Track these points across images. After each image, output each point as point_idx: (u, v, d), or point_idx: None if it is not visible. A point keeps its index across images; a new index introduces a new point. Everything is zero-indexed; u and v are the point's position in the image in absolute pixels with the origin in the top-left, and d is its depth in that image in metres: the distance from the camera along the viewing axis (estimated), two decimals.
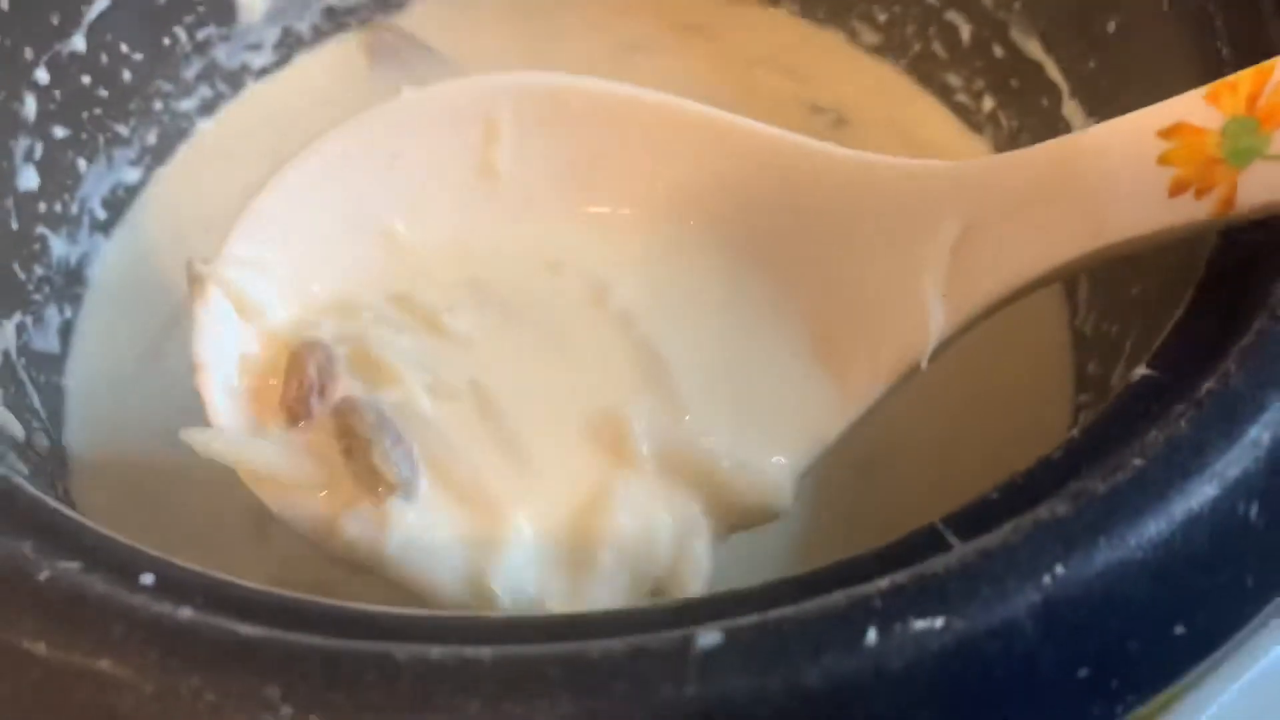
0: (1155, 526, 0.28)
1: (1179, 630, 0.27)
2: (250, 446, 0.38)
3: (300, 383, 0.38)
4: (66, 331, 0.54)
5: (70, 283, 0.54)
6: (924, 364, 0.38)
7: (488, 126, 0.43)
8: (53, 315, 0.53)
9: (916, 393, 0.50)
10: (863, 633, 0.26)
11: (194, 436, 0.39)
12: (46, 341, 0.52)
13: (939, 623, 0.26)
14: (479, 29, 0.63)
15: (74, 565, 0.29)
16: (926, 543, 0.29)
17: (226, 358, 0.40)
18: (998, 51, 0.57)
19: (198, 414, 0.50)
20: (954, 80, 0.59)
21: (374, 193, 0.43)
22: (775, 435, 0.39)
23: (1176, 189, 0.34)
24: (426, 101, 0.43)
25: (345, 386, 0.38)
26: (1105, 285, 0.51)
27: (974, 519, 0.29)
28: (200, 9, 0.58)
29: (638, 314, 0.41)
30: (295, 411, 0.38)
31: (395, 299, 0.42)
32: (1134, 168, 0.34)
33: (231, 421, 0.39)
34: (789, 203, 0.41)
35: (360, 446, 0.37)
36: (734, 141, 0.42)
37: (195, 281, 0.41)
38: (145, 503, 0.49)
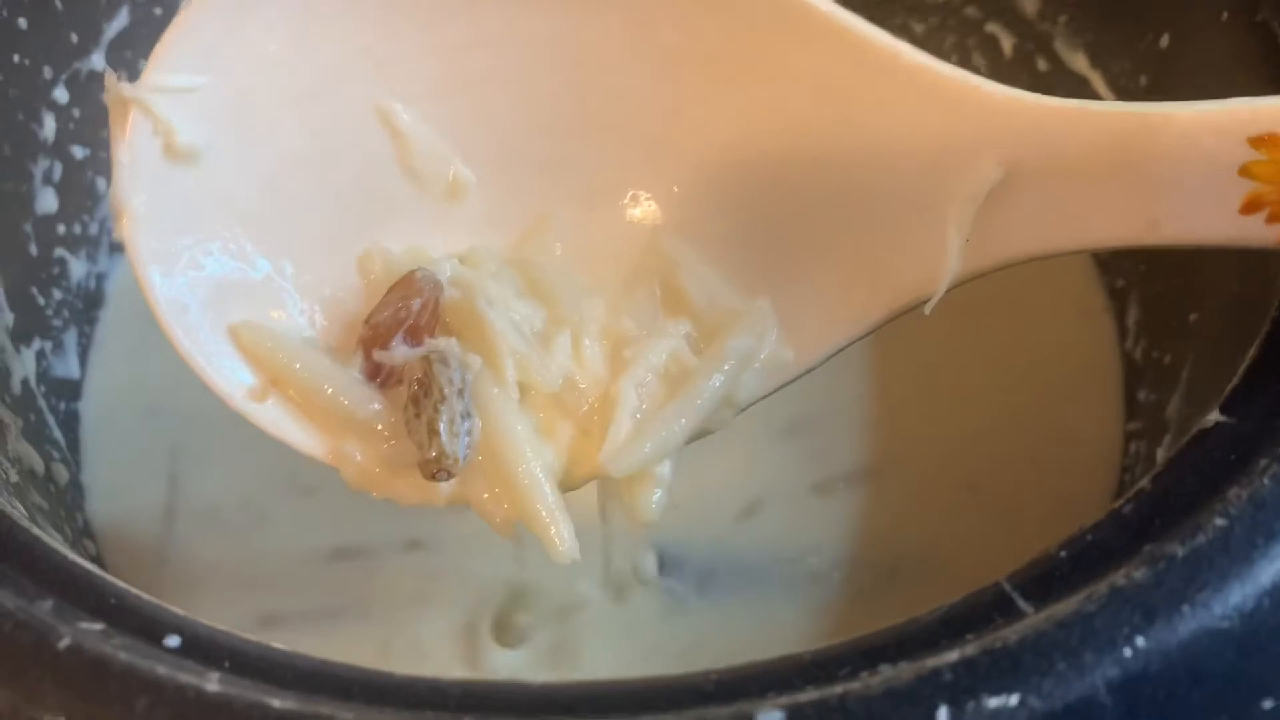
0: (1241, 593, 0.26)
1: (1267, 705, 0.26)
2: (306, 353, 0.36)
3: (400, 309, 0.35)
4: (85, 355, 0.53)
5: (89, 305, 0.53)
6: (929, 307, 0.35)
7: None
8: (71, 339, 0.52)
9: (954, 406, 0.50)
10: (933, 712, 0.24)
11: (242, 330, 0.36)
12: (66, 367, 0.51)
13: (1013, 700, 0.24)
14: None
15: (96, 628, 0.27)
16: (993, 605, 0.28)
17: (159, 207, 0.35)
18: (1041, 65, 0.55)
19: (224, 434, 0.49)
20: None
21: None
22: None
23: (1250, 207, 0.31)
24: None
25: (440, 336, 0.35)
26: (1157, 310, 0.49)
27: (1042, 580, 0.28)
28: None
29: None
30: (378, 335, 0.35)
31: (515, 263, 0.38)
32: (1210, 169, 0.30)
33: (172, 296, 0.35)
34: (843, 94, 0.36)
35: (431, 405, 0.34)
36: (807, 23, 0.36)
37: (115, 106, 0.35)
38: (168, 529, 0.48)
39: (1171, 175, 0.31)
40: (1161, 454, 0.43)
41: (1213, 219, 0.31)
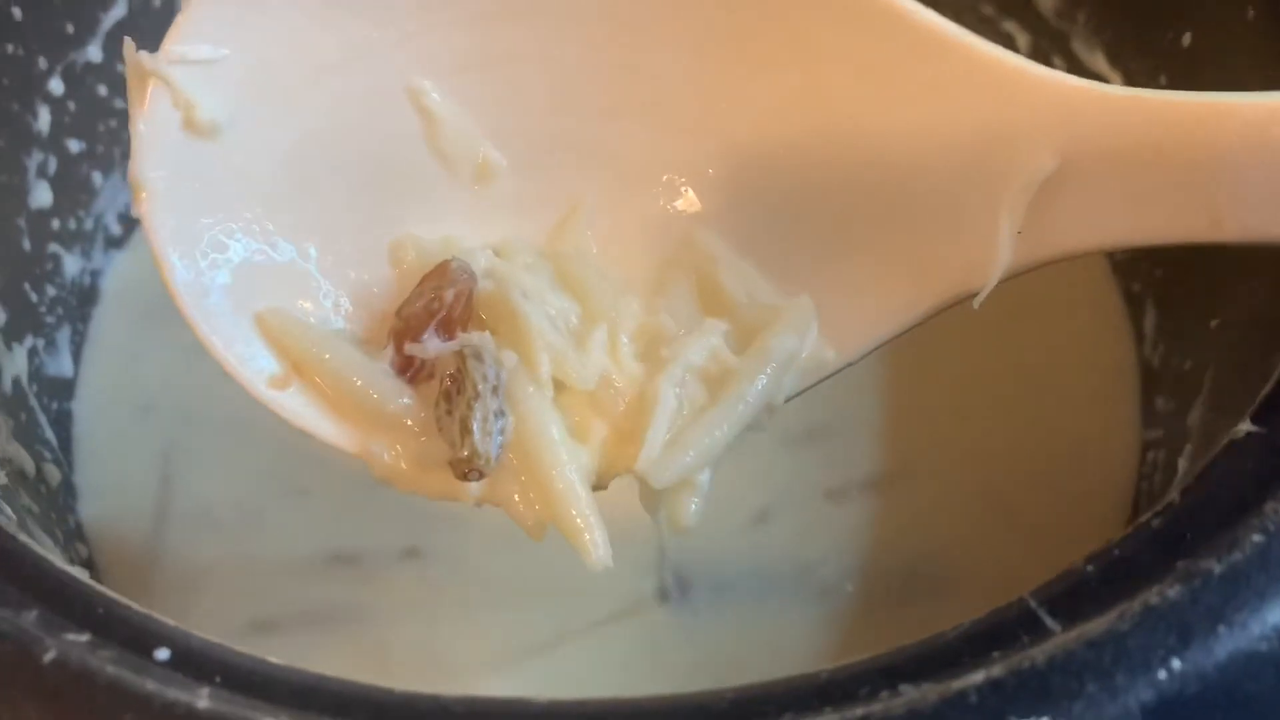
0: None
1: None
2: (335, 343, 0.34)
3: (432, 300, 0.34)
4: (78, 352, 0.52)
5: (83, 301, 0.52)
6: (977, 301, 0.33)
7: None
8: (64, 337, 0.51)
9: (967, 412, 0.49)
10: None
11: (269, 318, 0.35)
12: (59, 365, 0.50)
13: None
14: None
15: (82, 639, 0.26)
16: (1019, 623, 0.27)
17: (179, 185, 0.34)
18: (1058, 64, 0.54)
19: (219, 434, 0.48)
20: None
21: None
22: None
23: None
24: None
25: (473, 329, 0.34)
26: (1177, 313, 0.48)
27: (1070, 596, 0.27)
28: None
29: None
30: (409, 328, 0.34)
31: (550, 255, 0.37)
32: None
33: (191, 278, 0.34)
34: (889, 76, 0.34)
35: (464, 402, 0.33)
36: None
37: (134, 78, 0.34)
38: (161, 531, 0.47)
39: (1236, 169, 0.29)
40: (1184, 464, 0.41)
41: None
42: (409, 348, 0.34)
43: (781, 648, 0.43)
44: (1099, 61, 0.52)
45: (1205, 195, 0.30)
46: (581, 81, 0.37)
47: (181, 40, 0.34)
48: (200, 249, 0.35)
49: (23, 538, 0.30)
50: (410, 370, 0.35)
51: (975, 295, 0.34)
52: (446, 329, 0.34)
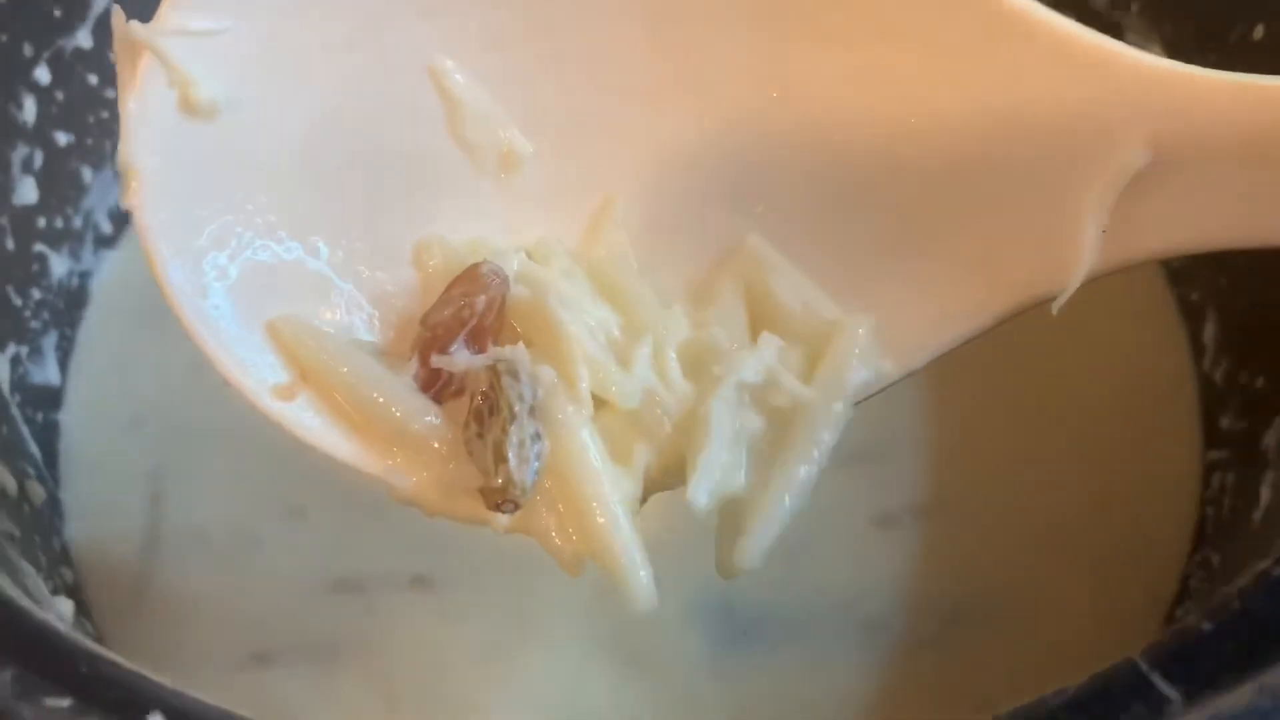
0: None
1: None
2: (354, 355, 0.31)
3: (462, 308, 0.31)
4: (65, 359, 0.48)
5: (71, 305, 0.49)
6: (1056, 305, 0.31)
7: None
8: (50, 343, 0.48)
9: (1014, 434, 0.46)
10: None
11: (281, 326, 0.31)
12: (44, 373, 0.47)
13: None
14: None
15: (63, 705, 0.23)
16: (1130, 690, 0.23)
17: (173, 172, 0.31)
18: None
19: (214, 446, 0.45)
20: None
21: None
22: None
23: None
24: None
25: (505, 339, 0.31)
26: (1241, 327, 0.45)
27: (1186, 659, 0.24)
28: None
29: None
30: (436, 338, 0.31)
31: (587, 259, 0.34)
32: None
33: (187, 276, 0.31)
34: (962, 57, 0.32)
35: (498, 425, 0.30)
36: None
37: (124, 51, 0.31)
38: (149, 553, 0.44)
39: None
40: (1267, 492, 0.38)
41: None
42: (436, 360, 0.31)
43: (824, 692, 0.40)
44: (1157, 53, 0.48)
45: None
46: (618, 59, 0.34)
47: (178, 8, 0.31)
48: (197, 244, 0.32)
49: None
50: (436, 386, 0.32)
51: (1050, 299, 0.31)
52: (477, 340, 0.31)
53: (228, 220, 0.32)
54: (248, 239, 0.33)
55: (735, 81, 0.33)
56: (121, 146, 0.31)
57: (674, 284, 0.34)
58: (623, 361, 0.32)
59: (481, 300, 0.31)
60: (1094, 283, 0.31)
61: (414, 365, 0.32)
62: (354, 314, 0.33)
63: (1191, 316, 0.48)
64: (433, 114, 0.34)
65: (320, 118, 0.33)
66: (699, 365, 0.32)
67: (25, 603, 0.26)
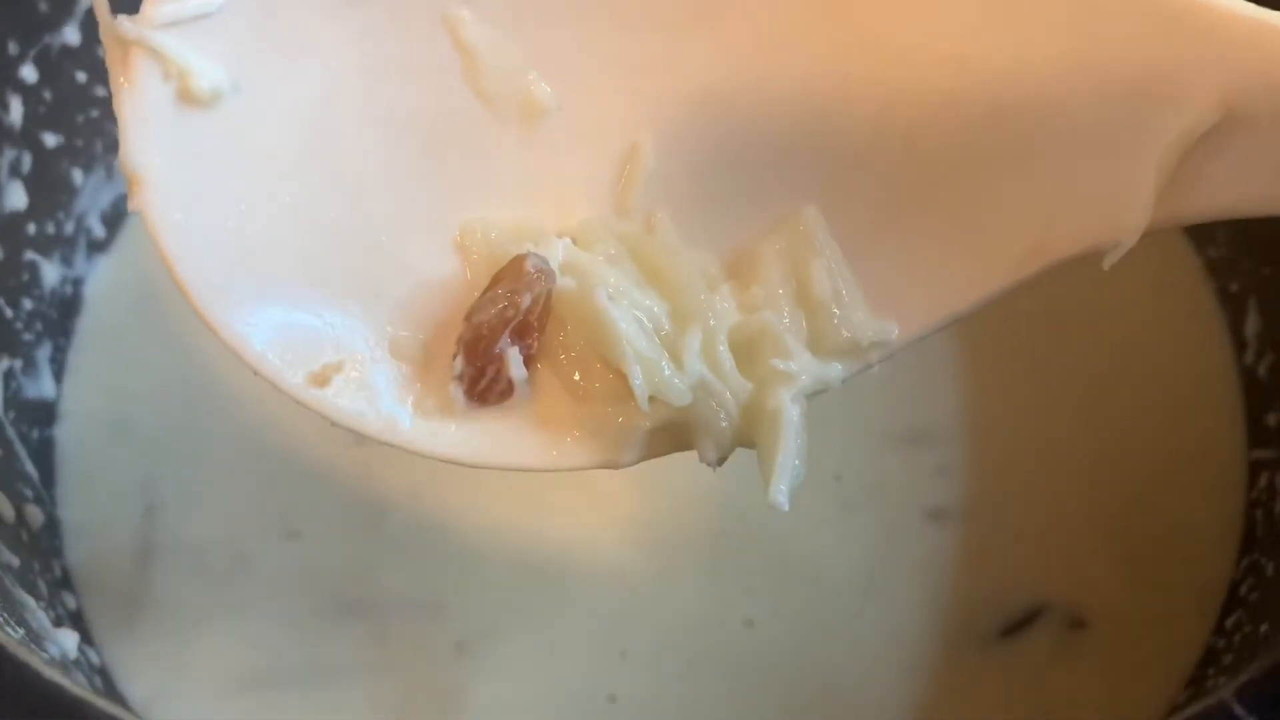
0: None
1: None
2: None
3: (506, 307, 0.30)
4: (60, 371, 0.46)
5: (64, 314, 0.47)
6: (1108, 261, 0.29)
7: None
8: (44, 355, 0.46)
9: (1044, 434, 0.44)
10: None
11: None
12: (39, 387, 0.45)
13: None
14: None
15: None
16: None
17: (181, 169, 0.30)
18: None
19: (213, 459, 0.43)
20: None
21: None
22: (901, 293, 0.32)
23: None
24: None
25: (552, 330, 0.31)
26: None
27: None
28: None
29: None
30: (481, 336, 0.31)
31: (628, 238, 0.33)
32: None
33: (206, 276, 0.30)
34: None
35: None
36: None
37: (113, 49, 0.30)
38: (158, 578, 0.42)
39: None
40: None
41: None
42: (485, 364, 0.31)
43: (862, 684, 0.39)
44: None
45: None
46: None
47: None
48: (214, 240, 0.30)
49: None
50: (481, 384, 0.31)
51: (1099, 254, 0.30)
52: (524, 336, 0.31)
53: (242, 210, 0.31)
54: (266, 227, 0.31)
55: (775, 11, 0.32)
56: (121, 149, 0.29)
57: (716, 252, 0.33)
58: (673, 355, 0.31)
59: (526, 298, 0.30)
60: (1125, 274, 0.30)
61: (460, 364, 0.31)
62: (384, 303, 0.32)
63: (1232, 309, 0.46)
64: (448, 68, 0.32)
65: (330, 87, 0.32)
66: (752, 350, 0.31)
67: (23, 654, 0.24)
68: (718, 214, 0.33)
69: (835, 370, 0.32)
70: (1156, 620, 0.41)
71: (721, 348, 0.31)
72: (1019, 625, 0.41)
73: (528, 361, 0.31)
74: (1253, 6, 0.27)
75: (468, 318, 0.31)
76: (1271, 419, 0.43)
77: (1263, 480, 0.42)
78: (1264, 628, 0.36)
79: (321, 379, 0.31)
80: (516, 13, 0.32)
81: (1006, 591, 0.41)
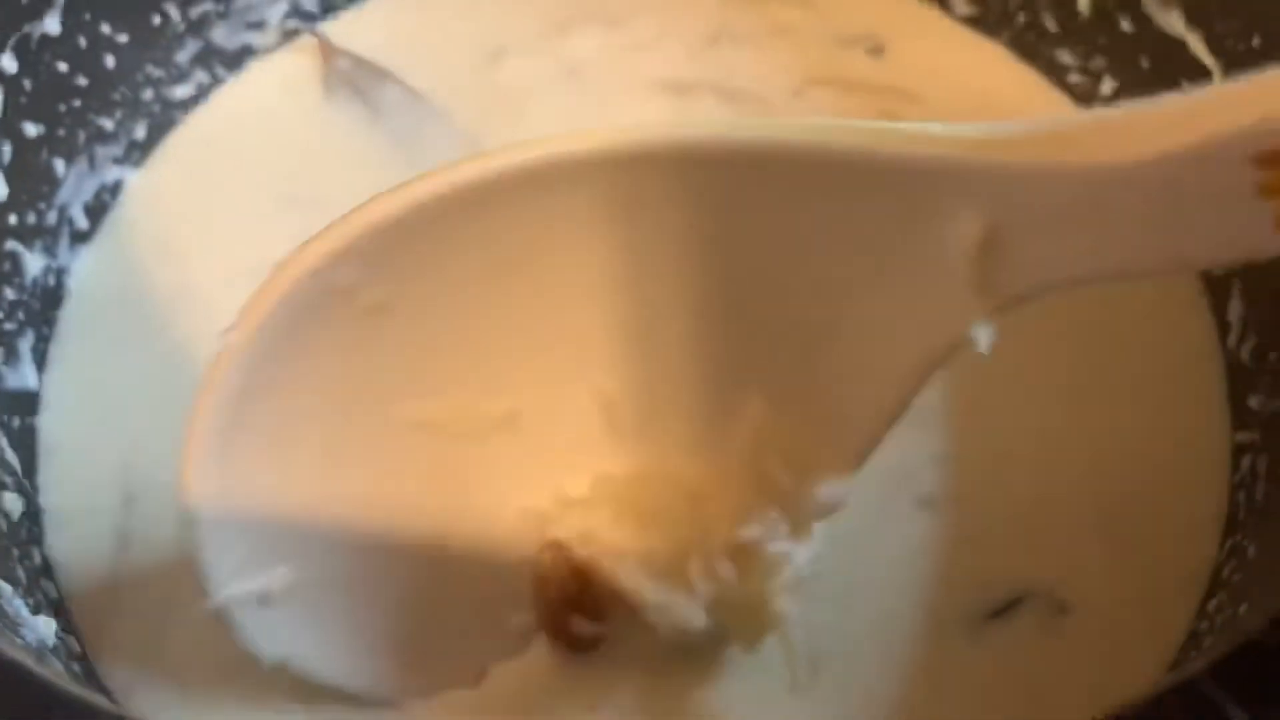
0: None
1: None
2: None
3: (555, 611, 0.37)
4: (42, 361, 0.46)
5: (47, 305, 0.47)
6: (985, 345, 0.32)
7: None
8: (26, 345, 0.46)
9: (1030, 417, 0.44)
10: None
11: None
12: (20, 378, 0.45)
13: None
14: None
15: None
16: (1194, 711, 0.22)
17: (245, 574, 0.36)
18: (1125, 25, 0.49)
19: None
20: (1067, 58, 0.51)
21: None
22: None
23: None
24: None
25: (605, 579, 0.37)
26: (1269, 302, 0.43)
27: (1257, 678, 0.22)
28: None
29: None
30: (559, 628, 0.38)
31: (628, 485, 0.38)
32: (1225, 194, 0.27)
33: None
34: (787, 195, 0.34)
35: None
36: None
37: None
38: (137, 564, 0.42)
39: (1185, 212, 0.28)
40: None
41: (1249, 237, 0.28)
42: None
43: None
44: (1175, 22, 0.47)
45: (1160, 236, 0.29)
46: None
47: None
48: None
49: None
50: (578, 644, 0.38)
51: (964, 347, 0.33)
52: (589, 612, 0.37)
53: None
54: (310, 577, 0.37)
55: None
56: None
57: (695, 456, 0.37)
58: (679, 581, 0.36)
59: (554, 589, 0.36)
60: None
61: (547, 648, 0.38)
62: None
63: (1215, 292, 0.46)
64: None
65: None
66: (745, 556, 0.36)
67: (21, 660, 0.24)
68: (686, 422, 0.37)
69: (811, 544, 0.36)
70: (1140, 603, 0.40)
71: (719, 565, 0.36)
72: (1004, 609, 0.40)
73: (597, 618, 0.37)
74: (969, 135, 0.31)
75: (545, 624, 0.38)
76: (1254, 402, 0.43)
77: (1245, 463, 0.42)
78: (1243, 608, 0.36)
79: None
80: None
81: (992, 576, 0.41)
